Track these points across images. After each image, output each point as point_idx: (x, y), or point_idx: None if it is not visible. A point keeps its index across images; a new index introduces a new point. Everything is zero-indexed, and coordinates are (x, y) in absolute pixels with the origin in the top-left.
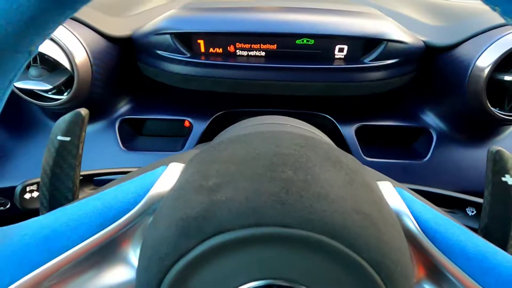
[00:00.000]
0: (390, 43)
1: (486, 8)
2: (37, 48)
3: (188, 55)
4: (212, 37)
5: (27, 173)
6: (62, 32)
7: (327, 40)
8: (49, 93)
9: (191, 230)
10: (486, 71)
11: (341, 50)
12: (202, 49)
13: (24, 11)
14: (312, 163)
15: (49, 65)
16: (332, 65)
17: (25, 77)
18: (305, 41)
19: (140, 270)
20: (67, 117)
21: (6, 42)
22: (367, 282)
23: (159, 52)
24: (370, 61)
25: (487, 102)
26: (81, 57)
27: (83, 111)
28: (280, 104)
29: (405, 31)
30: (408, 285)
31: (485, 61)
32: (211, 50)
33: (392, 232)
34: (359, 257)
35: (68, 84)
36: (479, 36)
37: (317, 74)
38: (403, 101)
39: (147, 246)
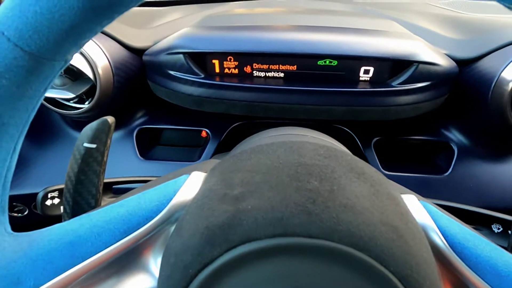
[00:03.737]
0: (421, 65)
1: (507, 22)
2: (72, 56)
3: (202, 75)
4: (228, 57)
5: (45, 181)
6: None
7: (352, 62)
8: (71, 101)
9: (217, 239)
10: (511, 84)
11: (366, 72)
12: (217, 70)
13: (66, 20)
14: (337, 174)
15: (72, 74)
16: (357, 88)
17: None
18: (327, 62)
19: (163, 278)
20: (94, 124)
21: (47, 50)
22: None
23: (171, 72)
24: (398, 84)
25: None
26: (103, 67)
27: (110, 119)
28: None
29: (437, 51)
30: None
31: (510, 74)
32: (226, 71)
33: (420, 245)
34: (387, 270)
35: (89, 93)
36: (502, 49)
37: (340, 98)
38: (423, 114)
39: (171, 253)
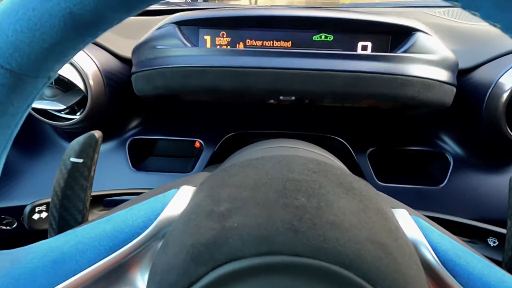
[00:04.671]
0: (421, 34)
1: (501, 32)
2: (56, 73)
3: (191, 46)
4: (220, 33)
5: (35, 193)
6: (77, 54)
7: (348, 36)
8: (62, 112)
9: (202, 257)
10: (505, 95)
11: (364, 48)
12: (208, 46)
13: (47, 38)
14: (325, 190)
15: (64, 86)
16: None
17: (39, 97)
18: (323, 37)
19: None
20: (81, 139)
21: (28, 68)
22: None
23: (158, 46)
24: (401, 52)
25: (507, 126)
26: (95, 78)
27: (97, 133)
28: (292, 126)
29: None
30: None
31: (504, 84)
32: (218, 47)
33: (409, 263)
34: None
35: (81, 104)
36: (497, 59)
37: (341, 62)
38: (418, 124)
39: (157, 271)
